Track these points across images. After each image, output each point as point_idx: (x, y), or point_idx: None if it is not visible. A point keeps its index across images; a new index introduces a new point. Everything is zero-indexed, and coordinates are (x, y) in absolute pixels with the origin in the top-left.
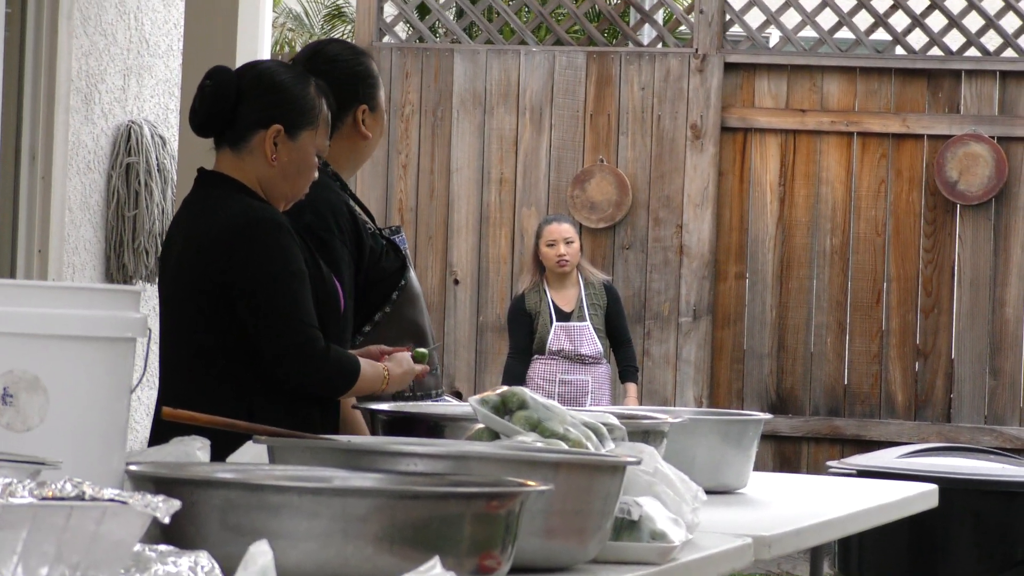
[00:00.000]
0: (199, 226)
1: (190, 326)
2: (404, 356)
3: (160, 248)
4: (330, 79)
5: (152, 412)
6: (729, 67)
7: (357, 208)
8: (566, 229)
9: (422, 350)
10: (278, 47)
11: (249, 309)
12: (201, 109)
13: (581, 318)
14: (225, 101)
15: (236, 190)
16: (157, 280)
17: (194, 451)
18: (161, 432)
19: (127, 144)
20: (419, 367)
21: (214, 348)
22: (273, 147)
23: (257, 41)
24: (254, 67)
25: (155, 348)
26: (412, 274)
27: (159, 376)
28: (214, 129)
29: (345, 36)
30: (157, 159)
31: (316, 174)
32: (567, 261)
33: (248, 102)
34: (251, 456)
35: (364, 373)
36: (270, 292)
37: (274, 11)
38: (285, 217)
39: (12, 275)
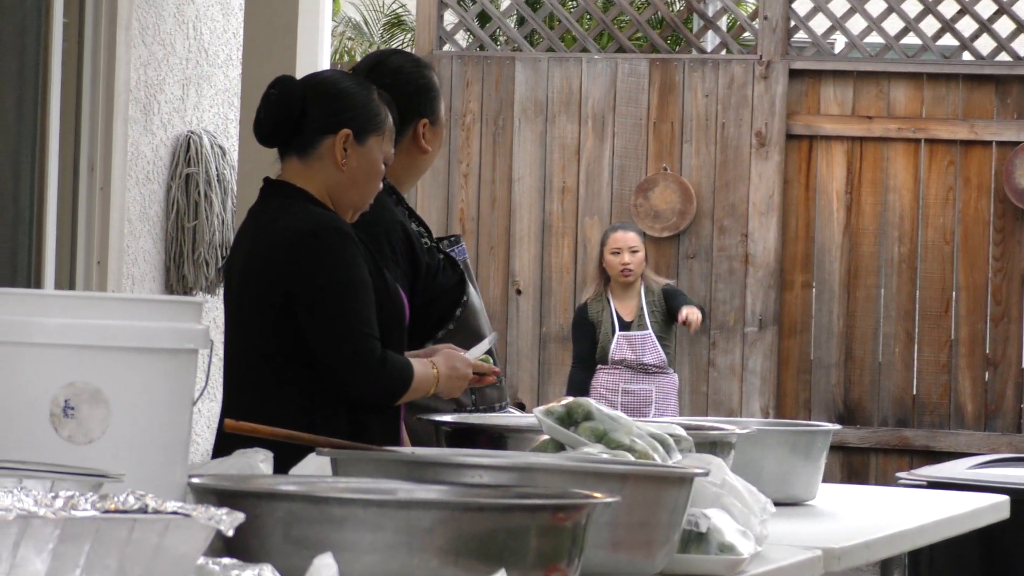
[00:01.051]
0: (264, 235)
1: (255, 336)
2: (453, 354)
3: (221, 259)
4: (392, 91)
5: (215, 424)
6: (794, 74)
7: (412, 224)
8: (631, 238)
9: (482, 356)
10: (337, 56)
11: (311, 316)
12: (267, 118)
13: (642, 327)
14: (292, 109)
15: (302, 199)
16: (222, 291)
17: (257, 463)
18: (224, 444)
19: (186, 154)
20: (483, 367)
21: (278, 358)
22: (343, 152)
23: (317, 50)
24: (317, 75)
25: (217, 360)
26: (473, 290)
27: (223, 388)
28: (281, 138)
29: (405, 45)
30: (217, 169)
31: (381, 184)
32: (631, 271)
33: (315, 109)
34: (314, 468)
35: (416, 376)
36: (332, 300)
37: (333, 20)
38: (351, 227)
39: (71, 287)
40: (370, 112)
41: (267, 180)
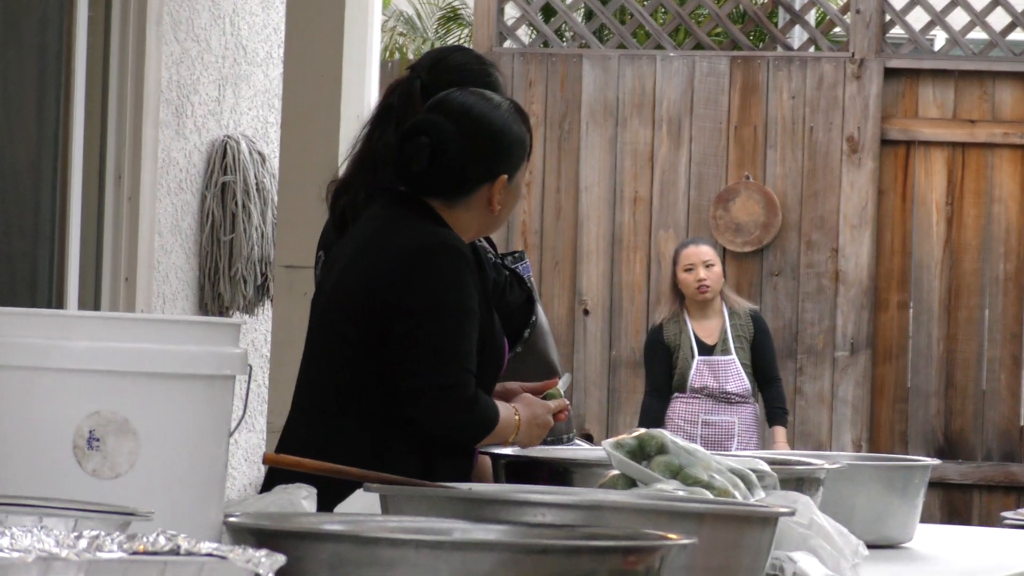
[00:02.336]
0: (374, 246)
1: (334, 358)
2: (534, 400)
3: (260, 275)
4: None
5: (254, 457)
6: (889, 73)
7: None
8: (705, 251)
9: (553, 388)
10: (388, 53)
11: (408, 338)
12: (427, 173)
13: (726, 351)
14: (453, 163)
15: (427, 216)
16: (262, 310)
17: (299, 500)
18: (273, 480)
19: (222, 161)
20: (554, 404)
21: (354, 383)
22: (498, 196)
23: (366, 47)
24: (465, 113)
25: (256, 387)
26: (539, 307)
27: (290, 414)
28: (435, 191)
29: (462, 40)
30: (256, 177)
31: None
32: (708, 287)
33: (476, 158)
34: (362, 506)
35: (501, 419)
36: (436, 322)
37: (383, 14)
38: (469, 249)
39: (97, 306)
40: (524, 147)
41: (393, 190)
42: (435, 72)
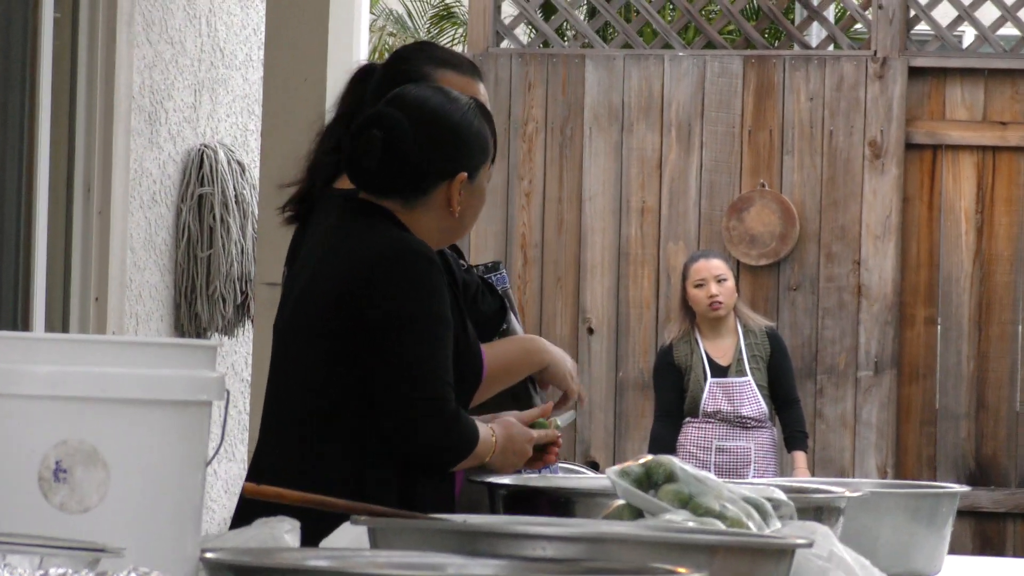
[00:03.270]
0: (339, 254)
1: (303, 378)
2: (511, 424)
3: (239, 294)
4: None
5: (233, 488)
6: (914, 72)
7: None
8: (716, 266)
9: (544, 419)
10: (376, 55)
11: (381, 351)
12: (380, 170)
13: (741, 373)
14: (407, 159)
15: (386, 219)
16: (242, 331)
17: (281, 534)
18: (246, 512)
19: (199, 172)
20: (537, 433)
21: (325, 406)
22: (458, 195)
23: (352, 48)
24: (420, 106)
25: (235, 413)
26: (514, 318)
27: (259, 442)
28: (390, 189)
29: (456, 41)
30: (235, 189)
31: None
32: (721, 303)
33: (432, 155)
34: (349, 540)
35: (480, 440)
36: (410, 334)
37: (372, 12)
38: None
39: (65, 328)
40: (484, 144)
41: (350, 198)
42: (389, 67)
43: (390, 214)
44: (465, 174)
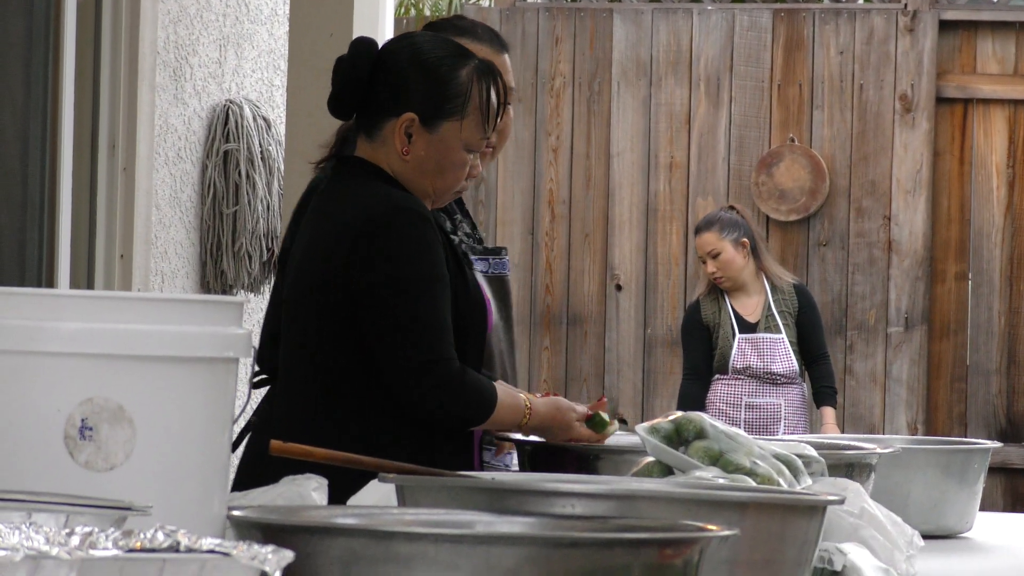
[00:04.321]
0: (329, 219)
1: (306, 342)
2: (560, 398)
3: (266, 250)
4: None
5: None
6: (945, 25)
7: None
8: (706, 241)
9: (604, 415)
10: (403, 10)
11: (377, 314)
12: (334, 89)
13: (770, 329)
14: (357, 81)
15: (375, 177)
16: (272, 286)
17: (309, 492)
18: (255, 469)
19: (224, 128)
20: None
21: (332, 370)
22: (406, 139)
23: (377, 3)
24: (398, 41)
25: None
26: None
27: (264, 400)
28: (346, 113)
29: None
30: (260, 145)
31: (467, 170)
32: (720, 278)
33: (380, 84)
34: (377, 498)
35: (501, 402)
36: (403, 296)
37: None
38: (429, 212)
39: (90, 285)
40: (447, 92)
41: (338, 157)
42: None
43: (377, 169)
44: (413, 116)
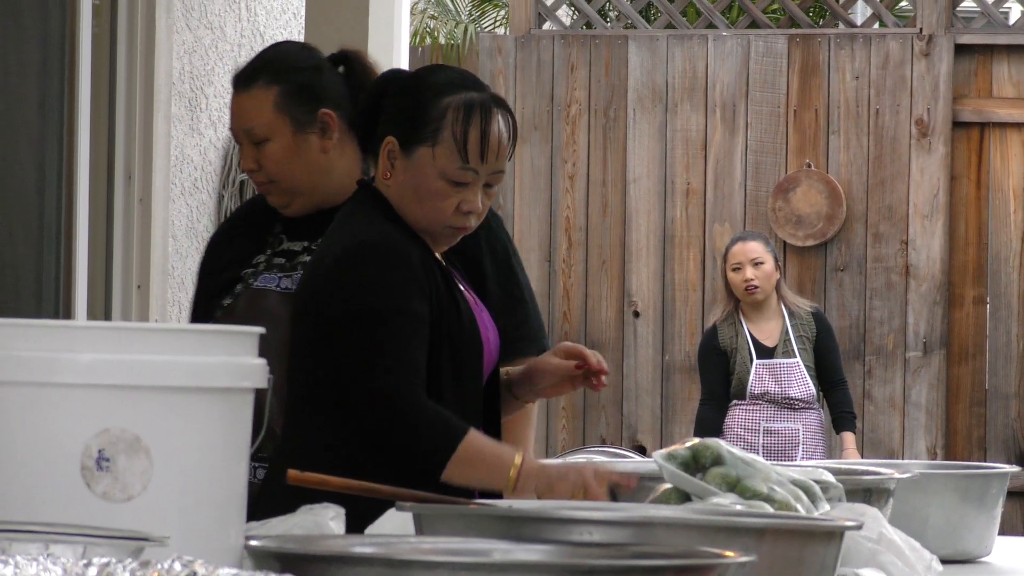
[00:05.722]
0: (321, 248)
1: (308, 370)
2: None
3: None
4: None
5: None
6: (961, 49)
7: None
8: (753, 248)
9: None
10: (418, 39)
11: (338, 347)
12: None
13: (788, 354)
14: (366, 106)
15: (376, 206)
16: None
17: (326, 521)
18: (273, 498)
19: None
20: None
21: (311, 398)
22: (389, 163)
23: (392, 33)
24: (412, 71)
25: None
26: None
27: (280, 445)
28: (360, 138)
29: (498, 24)
30: None
31: (454, 204)
32: (756, 287)
33: (379, 110)
34: (394, 526)
35: (476, 448)
36: (356, 328)
37: None
38: (408, 245)
39: (107, 316)
40: (421, 117)
41: (359, 182)
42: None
43: (382, 198)
44: (393, 139)
